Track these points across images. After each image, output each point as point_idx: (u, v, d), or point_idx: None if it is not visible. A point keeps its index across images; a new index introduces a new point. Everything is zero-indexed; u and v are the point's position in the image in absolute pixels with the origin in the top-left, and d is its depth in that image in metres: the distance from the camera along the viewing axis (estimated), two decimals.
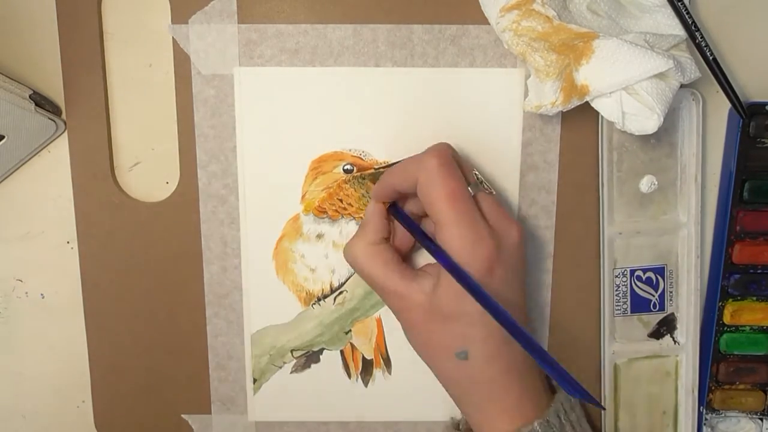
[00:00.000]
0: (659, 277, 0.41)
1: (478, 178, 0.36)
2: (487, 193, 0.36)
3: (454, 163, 0.35)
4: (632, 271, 0.40)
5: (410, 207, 0.38)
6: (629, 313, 0.41)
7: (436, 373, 0.37)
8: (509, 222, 0.35)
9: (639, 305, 0.41)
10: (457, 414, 0.42)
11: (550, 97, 0.35)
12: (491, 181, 0.40)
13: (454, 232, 0.34)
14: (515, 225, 0.36)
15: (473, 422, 0.37)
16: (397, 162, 0.37)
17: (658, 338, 0.41)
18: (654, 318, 0.41)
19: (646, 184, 0.39)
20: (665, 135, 0.39)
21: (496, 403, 0.36)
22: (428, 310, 0.35)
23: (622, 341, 0.41)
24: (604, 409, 0.41)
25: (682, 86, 0.35)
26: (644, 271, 0.41)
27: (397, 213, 0.38)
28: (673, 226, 0.40)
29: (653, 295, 0.41)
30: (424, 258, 0.41)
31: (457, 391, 0.37)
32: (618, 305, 0.41)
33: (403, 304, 0.36)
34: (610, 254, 0.40)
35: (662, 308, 0.41)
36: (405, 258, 0.39)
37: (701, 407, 0.42)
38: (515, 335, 0.32)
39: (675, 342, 0.42)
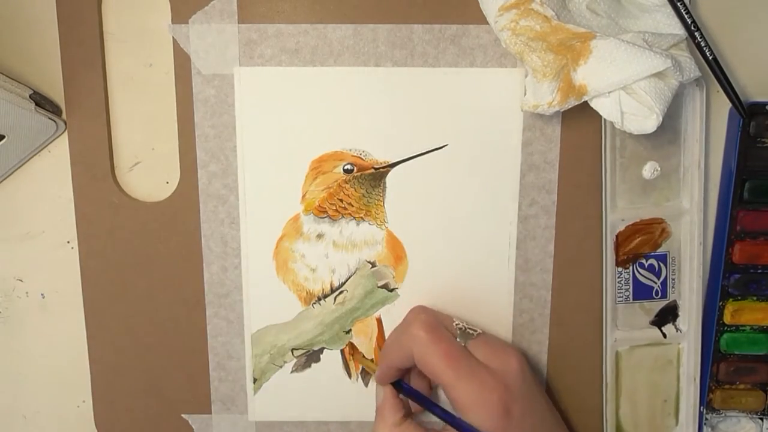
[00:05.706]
0: (662, 264, 0.41)
1: (460, 327, 0.38)
2: (475, 337, 0.37)
3: (440, 325, 0.37)
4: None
5: (417, 382, 0.40)
6: (631, 301, 0.41)
7: None
8: (506, 354, 0.36)
9: (641, 292, 0.41)
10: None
11: (547, 97, 0.35)
12: (490, 181, 0.40)
13: (461, 390, 0.35)
14: (512, 353, 0.37)
15: None
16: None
17: (660, 326, 0.41)
18: (656, 305, 0.41)
19: (649, 170, 0.39)
20: (669, 121, 0.39)
21: None
22: None
23: (624, 329, 0.41)
24: None
25: None
26: (647, 258, 0.40)
27: (402, 389, 0.39)
28: (676, 212, 0.40)
29: (655, 283, 0.41)
30: None
31: None
32: (620, 292, 0.41)
33: None
34: (612, 241, 0.40)
35: (664, 296, 0.41)
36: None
37: (701, 407, 0.42)
38: None
39: (677, 330, 0.41)
